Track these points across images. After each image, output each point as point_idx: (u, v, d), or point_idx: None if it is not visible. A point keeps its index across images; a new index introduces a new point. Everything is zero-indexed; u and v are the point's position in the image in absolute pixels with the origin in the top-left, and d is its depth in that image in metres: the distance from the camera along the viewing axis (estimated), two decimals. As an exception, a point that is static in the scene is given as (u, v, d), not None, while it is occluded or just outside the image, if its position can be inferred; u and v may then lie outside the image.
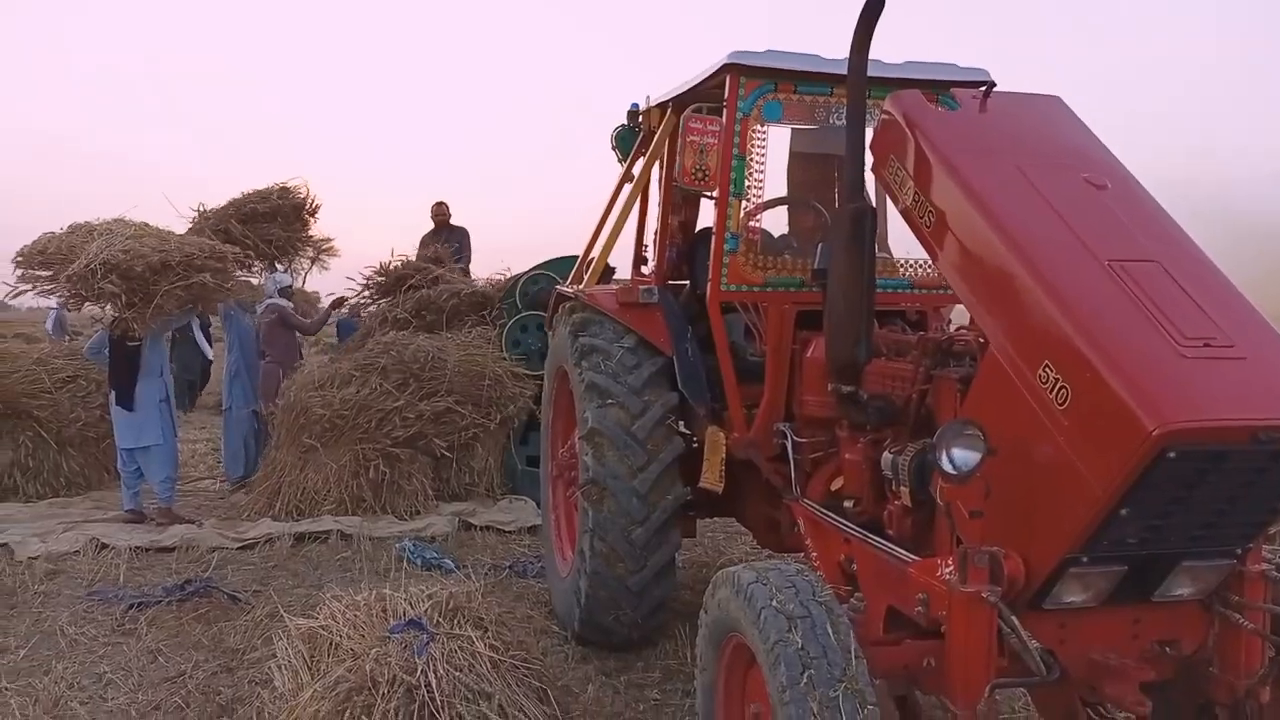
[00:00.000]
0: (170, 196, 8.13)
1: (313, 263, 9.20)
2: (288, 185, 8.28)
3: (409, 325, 7.96)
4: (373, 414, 7.02)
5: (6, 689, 4.09)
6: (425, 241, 9.46)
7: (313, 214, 8.34)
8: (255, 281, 8.10)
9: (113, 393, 6.96)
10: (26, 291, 6.78)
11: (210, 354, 8.82)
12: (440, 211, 9.55)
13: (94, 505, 7.46)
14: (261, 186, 8.18)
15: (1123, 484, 2.29)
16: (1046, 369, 2.50)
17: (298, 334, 8.89)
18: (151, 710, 3.95)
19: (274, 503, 7.01)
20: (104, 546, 6.24)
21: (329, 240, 8.86)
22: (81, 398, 7.90)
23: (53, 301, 7.90)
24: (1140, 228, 2.73)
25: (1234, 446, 2.26)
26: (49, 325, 10.73)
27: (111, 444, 7.41)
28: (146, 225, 7.06)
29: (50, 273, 6.54)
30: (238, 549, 6.36)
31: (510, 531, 6.82)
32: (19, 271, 6.67)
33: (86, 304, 6.84)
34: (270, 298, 8.52)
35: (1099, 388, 2.34)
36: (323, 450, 7.03)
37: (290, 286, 9.00)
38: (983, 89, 3.28)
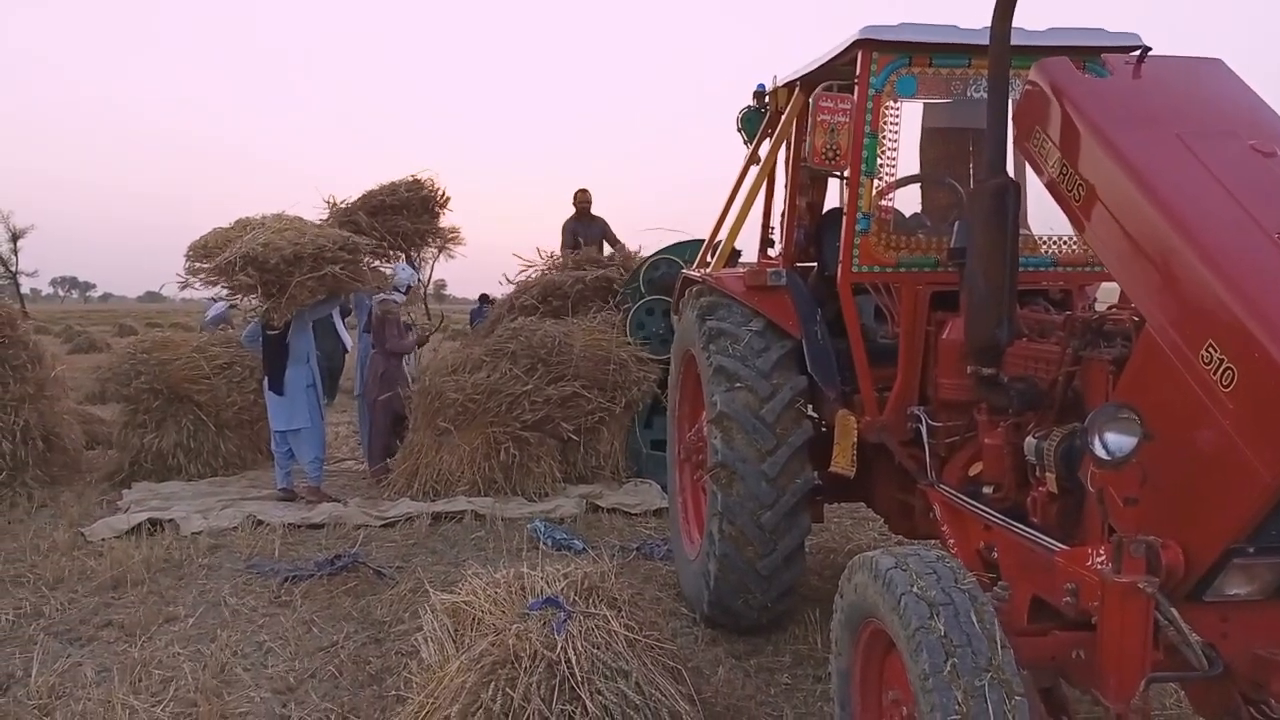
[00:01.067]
0: (323, 191, 8.48)
1: (440, 252, 9.43)
2: (418, 178, 8.56)
3: (536, 311, 8.13)
4: (502, 398, 7.23)
5: (179, 654, 4.41)
6: (567, 228, 9.57)
7: (442, 206, 8.59)
8: (387, 271, 8.35)
9: (266, 378, 7.41)
10: (193, 283, 7.25)
11: (349, 342, 9.17)
12: (584, 199, 9.59)
13: (249, 484, 7.95)
14: (397, 178, 8.50)
15: None
16: (1210, 349, 2.36)
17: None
18: (308, 678, 4.20)
19: (412, 483, 7.32)
20: (260, 523, 6.65)
21: (455, 230, 9.06)
22: (237, 383, 8.41)
23: (211, 294, 8.38)
24: None
25: None
26: (209, 317, 11.42)
27: (265, 426, 7.88)
28: (298, 219, 7.47)
29: (211, 265, 7.00)
30: (380, 526, 6.67)
31: (636, 514, 6.91)
32: (186, 264, 7.18)
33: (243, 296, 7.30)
34: (387, 293, 8.08)
35: (1269, 369, 2.20)
36: (456, 433, 7.29)
37: (411, 287, 8.56)
38: (1136, 54, 3.11)
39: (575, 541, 6.09)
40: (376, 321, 8.11)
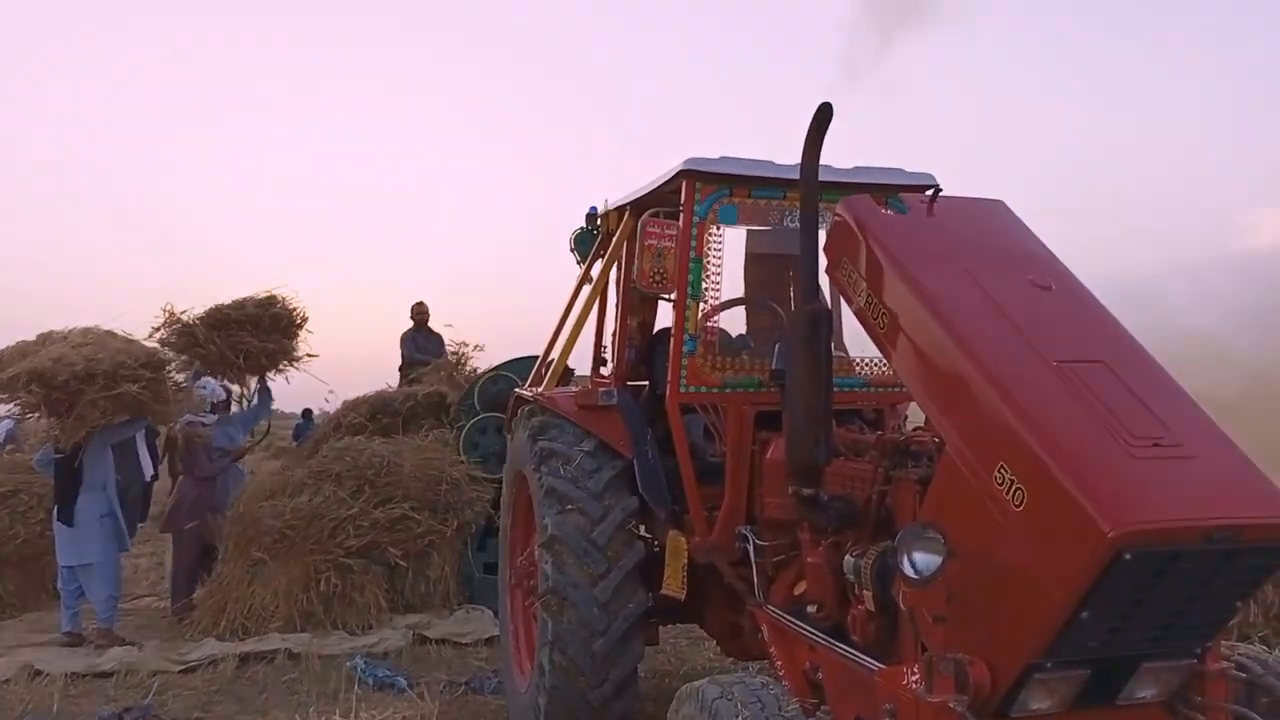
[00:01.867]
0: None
1: (279, 373, 8.82)
2: (273, 294, 7.83)
3: (364, 430, 7.82)
4: (325, 523, 6.82)
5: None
6: (404, 340, 9.45)
7: (298, 326, 7.86)
8: (204, 393, 7.77)
9: (55, 507, 6.72)
10: None
11: (149, 470, 8.22)
12: (421, 310, 9.52)
13: (29, 628, 7.10)
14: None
15: (1081, 587, 2.27)
16: (1002, 470, 2.50)
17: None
18: None
19: (219, 620, 6.71)
20: (38, 673, 5.92)
21: (314, 356, 8.34)
22: (21, 514, 7.62)
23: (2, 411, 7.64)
24: (1085, 328, 2.79)
25: (1188, 547, 2.26)
26: None
27: (51, 562, 7.11)
28: (108, 334, 6.92)
29: None
30: (179, 672, 6.06)
31: (467, 644, 6.59)
32: None
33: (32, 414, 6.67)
34: (194, 413, 7.66)
35: (1054, 490, 2.34)
36: (272, 563, 6.79)
37: (221, 402, 8.09)
38: (929, 193, 3.38)
39: (399, 679, 5.71)
40: (182, 446, 7.59)
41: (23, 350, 6.62)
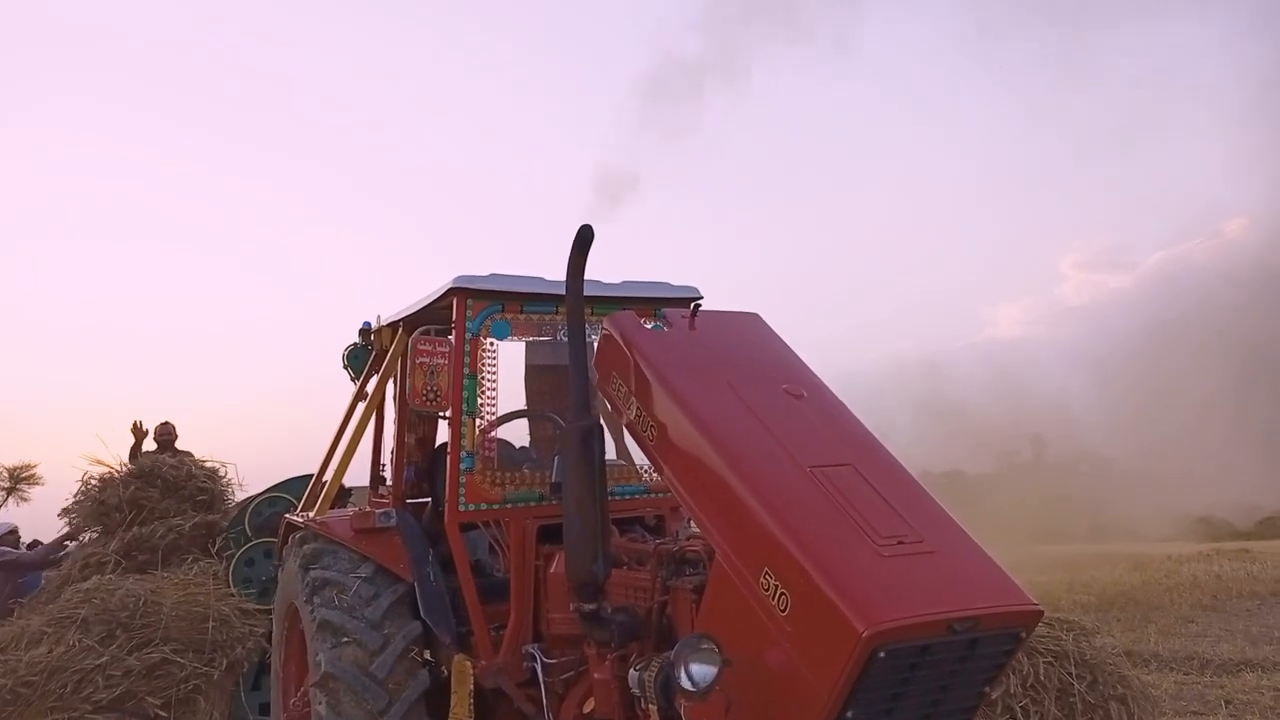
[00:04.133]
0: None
1: (9, 494, 8.01)
2: None
3: (117, 568, 7.06)
4: (69, 676, 6.01)
5: None
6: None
7: None
8: None
9: None
10: None
11: None
12: (166, 432, 8.71)
13: None
14: None
15: (844, 686, 2.38)
16: (767, 576, 2.60)
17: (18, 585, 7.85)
18: None
19: (-65, 802, 5.74)
20: None
21: (30, 467, 7.76)
22: None
23: None
24: (835, 434, 2.99)
25: (935, 639, 2.42)
26: None
27: None
28: None
29: None
30: None
31: (240, 798, 5.96)
32: None
33: None
34: None
35: (813, 594, 2.46)
36: (2, 728, 5.91)
37: (14, 530, 8.19)
38: (691, 307, 3.55)
39: None
40: None
41: None
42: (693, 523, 4.36)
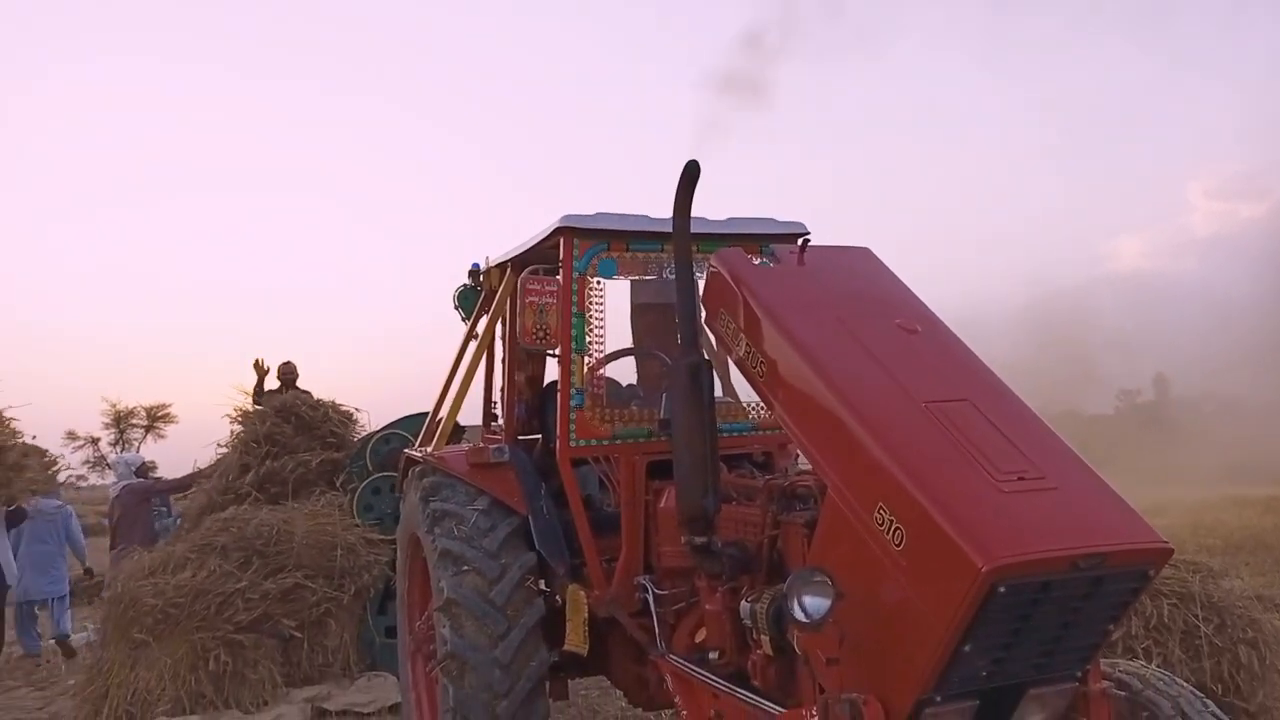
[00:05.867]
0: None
1: (147, 431, 8.66)
2: None
3: (250, 499, 7.52)
4: (211, 598, 6.49)
5: None
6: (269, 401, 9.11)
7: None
8: (111, 459, 7.50)
9: None
10: None
11: (13, 574, 7.60)
12: (288, 371, 9.17)
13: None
14: None
15: (961, 621, 2.36)
16: (881, 511, 2.58)
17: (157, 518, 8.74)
18: None
19: (100, 708, 6.30)
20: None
21: (165, 407, 8.37)
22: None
23: None
24: (950, 369, 2.92)
25: (1058, 576, 2.37)
26: None
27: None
28: None
29: None
30: (56, 768, 5.66)
31: (369, 714, 6.36)
32: None
33: None
34: (124, 479, 8.65)
35: (930, 528, 2.43)
36: (156, 644, 6.42)
37: (144, 464, 9.31)
38: (799, 242, 3.50)
39: (298, 757, 5.47)
40: (126, 513, 8.08)
41: None
42: (802, 459, 4.39)
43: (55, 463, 7.62)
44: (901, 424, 2.69)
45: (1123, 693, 2.84)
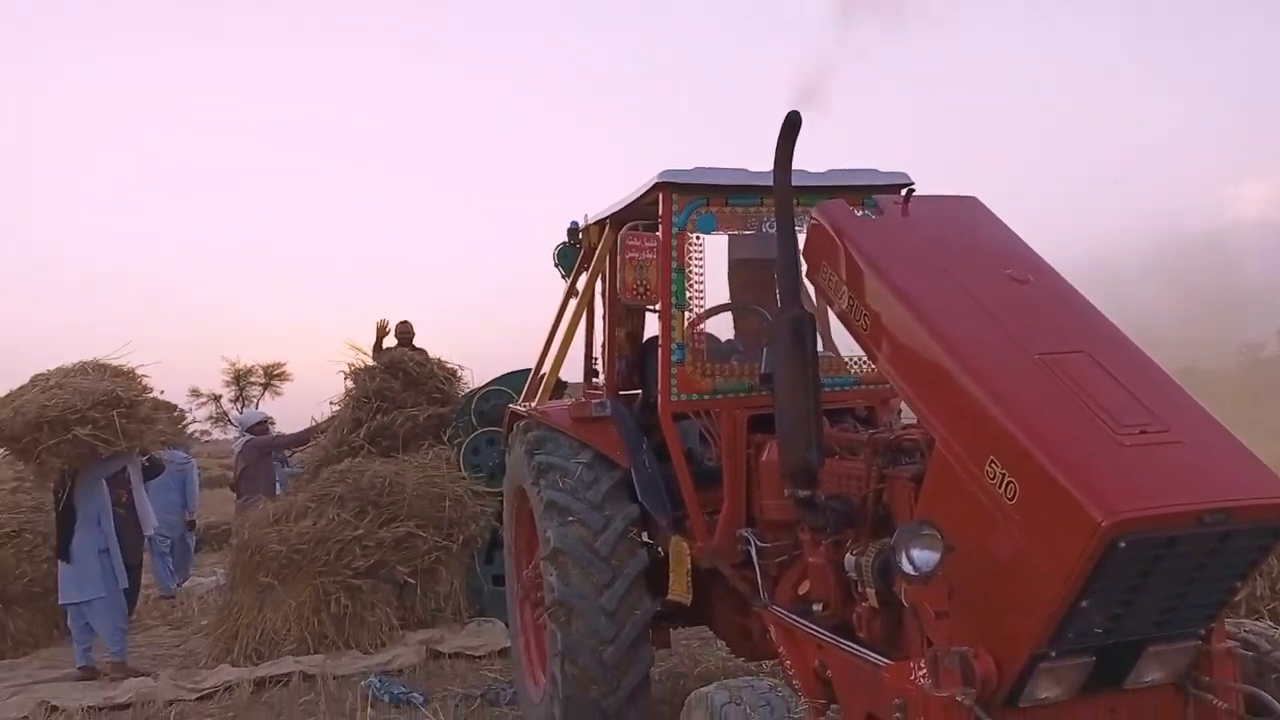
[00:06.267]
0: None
1: (265, 388, 9.12)
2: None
3: (363, 451, 7.84)
4: (331, 545, 6.85)
5: None
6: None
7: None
8: (234, 416, 7.94)
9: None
10: None
11: (152, 525, 8.01)
12: (405, 330, 9.26)
13: (43, 664, 7.11)
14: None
15: (1079, 576, 2.32)
16: (992, 464, 2.54)
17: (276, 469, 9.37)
18: None
19: (232, 647, 6.75)
20: (55, 709, 5.94)
21: (280, 365, 8.78)
22: (27, 552, 7.59)
23: None
24: (1065, 320, 2.83)
25: (1182, 531, 2.30)
26: None
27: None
28: (86, 370, 6.87)
29: None
30: (195, 700, 6.09)
31: (480, 656, 6.63)
32: None
33: None
34: (247, 435, 9.32)
35: (1045, 482, 2.39)
36: (281, 587, 6.82)
37: (265, 420, 9.90)
38: (904, 193, 3.42)
39: (414, 695, 5.75)
40: (250, 466, 8.70)
41: (8, 399, 6.65)
42: (904, 413, 4.33)
43: (184, 417, 8.04)
44: (1013, 375, 2.63)
45: (1249, 653, 2.75)
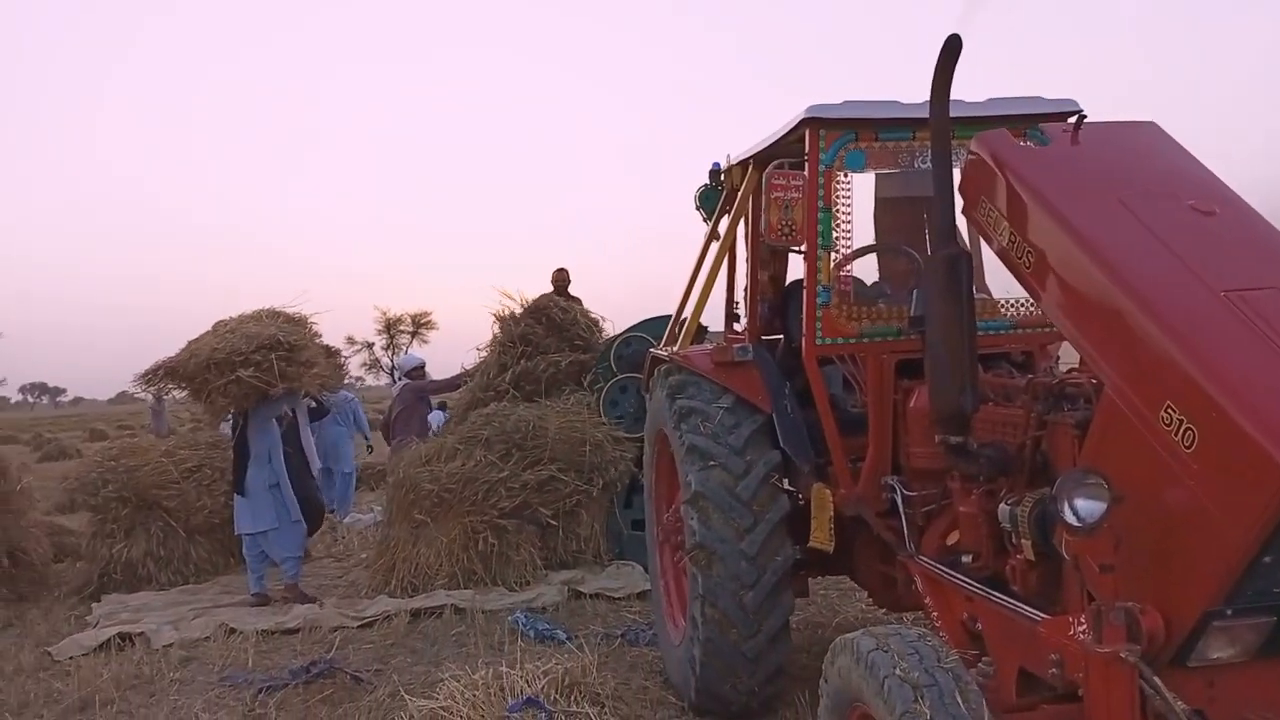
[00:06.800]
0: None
1: (413, 336, 9.52)
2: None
3: (507, 395, 8.08)
4: (479, 486, 7.13)
5: (148, 778, 4.23)
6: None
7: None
8: (386, 363, 8.39)
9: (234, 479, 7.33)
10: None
11: (317, 463, 8.25)
12: (561, 278, 9.39)
13: (222, 590, 7.75)
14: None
15: (1263, 529, 2.14)
16: (1169, 410, 2.37)
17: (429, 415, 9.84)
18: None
19: (389, 579, 7.16)
20: (233, 631, 6.46)
21: (427, 314, 9.13)
22: (206, 486, 8.26)
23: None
24: (1255, 253, 2.59)
25: None
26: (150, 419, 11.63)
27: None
28: (260, 317, 7.38)
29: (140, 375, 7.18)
30: (358, 627, 6.50)
31: (620, 598, 6.78)
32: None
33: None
34: (404, 378, 9.97)
35: (1228, 428, 2.20)
36: (433, 524, 7.16)
37: (423, 365, 10.33)
38: (1073, 120, 3.19)
39: (558, 632, 5.95)
40: (405, 410, 9.37)
41: (189, 344, 7.22)
42: (1062, 357, 4.10)
43: (343, 361, 8.55)
44: (1195, 314, 2.42)
45: None
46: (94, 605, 7.39)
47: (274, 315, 7.47)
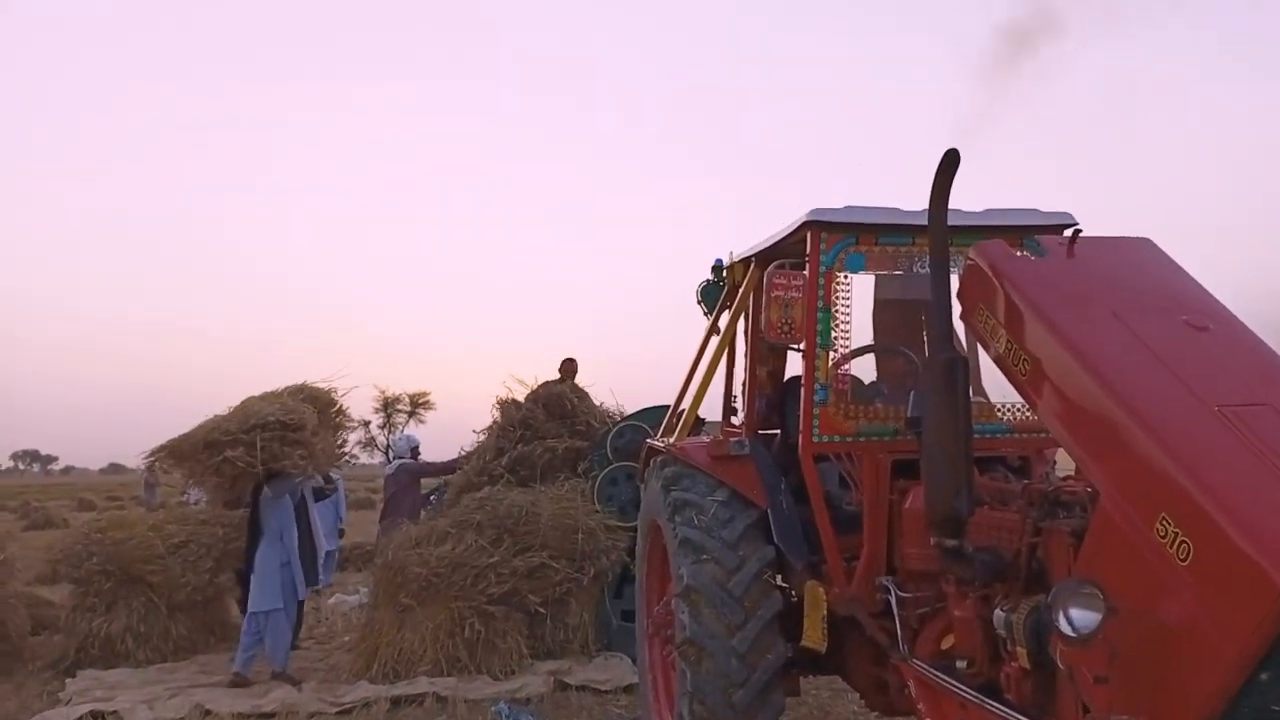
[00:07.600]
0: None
1: (410, 416, 9.52)
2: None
3: (501, 479, 8.04)
4: (468, 571, 7.02)
5: None
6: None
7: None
8: (382, 441, 8.37)
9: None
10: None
11: (322, 545, 8.07)
12: (570, 368, 9.18)
13: (199, 669, 7.55)
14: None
15: (1259, 647, 2.14)
16: (1164, 522, 2.38)
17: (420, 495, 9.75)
18: None
19: (371, 663, 7.00)
20: (208, 713, 6.29)
21: (425, 394, 9.13)
22: (192, 562, 8.09)
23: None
24: (1247, 370, 2.64)
25: None
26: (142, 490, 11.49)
27: (219, 607, 7.61)
28: (268, 397, 7.37)
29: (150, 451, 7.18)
30: (335, 714, 6.33)
31: (606, 691, 6.63)
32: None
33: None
34: (401, 458, 9.71)
35: (1222, 542, 2.22)
36: (419, 608, 7.04)
37: (418, 447, 10.18)
38: (1069, 233, 3.28)
39: (542, 724, 5.81)
40: (399, 490, 9.26)
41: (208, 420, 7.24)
42: (1058, 463, 4.12)
43: (345, 442, 8.53)
44: (1189, 427, 2.46)
45: None
46: (68, 681, 7.18)
47: (297, 391, 7.47)
